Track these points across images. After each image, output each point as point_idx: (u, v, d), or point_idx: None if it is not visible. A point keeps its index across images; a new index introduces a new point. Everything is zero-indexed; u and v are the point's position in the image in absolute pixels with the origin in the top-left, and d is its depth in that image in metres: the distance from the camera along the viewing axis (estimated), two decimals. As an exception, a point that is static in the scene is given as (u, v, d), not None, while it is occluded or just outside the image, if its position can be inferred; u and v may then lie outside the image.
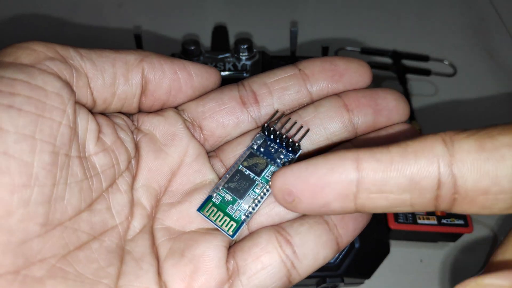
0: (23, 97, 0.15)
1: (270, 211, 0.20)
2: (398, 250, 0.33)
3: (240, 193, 0.20)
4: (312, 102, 0.22)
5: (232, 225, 0.20)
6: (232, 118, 0.21)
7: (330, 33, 0.48)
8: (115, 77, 0.19)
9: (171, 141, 0.21)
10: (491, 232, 0.34)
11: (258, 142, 0.21)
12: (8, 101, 0.15)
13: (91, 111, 0.19)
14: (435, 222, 0.31)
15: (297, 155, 0.21)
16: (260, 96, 0.21)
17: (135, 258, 0.18)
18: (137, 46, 0.38)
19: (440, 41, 0.48)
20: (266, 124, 0.21)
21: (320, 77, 0.21)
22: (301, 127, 0.21)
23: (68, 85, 0.17)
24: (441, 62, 0.45)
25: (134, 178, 0.20)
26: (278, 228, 0.20)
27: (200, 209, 0.20)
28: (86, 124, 0.18)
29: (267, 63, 0.37)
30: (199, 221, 0.20)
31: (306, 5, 0.53)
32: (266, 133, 0.21)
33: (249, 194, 0.20)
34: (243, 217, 0.20)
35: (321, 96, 0.22)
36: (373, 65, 0.44)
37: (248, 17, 0.50)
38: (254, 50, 0.37)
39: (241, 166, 0.21)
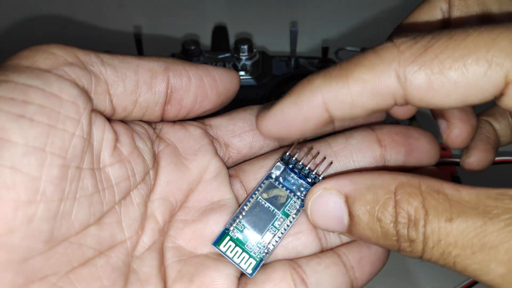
0: (36, 106, 0.15)
1: (287, 244, 0.20)
2: (398, 250, 0.33)
3: (259, 228, 0.19)
4: (342, 131, 0.21)
5: (251, 262, 0.19)
6: (260, 139, 0.21)
7: (330, 33, 0.48)
8: (137, 84, 0.18)
9: (193, 156, 0.20)
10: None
11: (277, 172, 0.20)
12: (19, 111, 0.14)
13: (110, 119, 0.18)
14: (435, 222, 0.31)
15: None
16: None
17: (140, 279, 0.18)
18: (137, 46, 0.38)
19: (440, 41, 0.48)
20: (287, 153, 0.20)
21: None
22: (324, 158, 0.20)
23: (85, 92, 0.16)
24: (441, 62, 0.45)
25: (151, 189, 0.19)
26: (293, 264, 0.19)
27: (217, 243, 0.19)
28: (102, 134, 0.17)
29: (267, 63, 0.37)
30: (211, 245, 0.19)
31: (306, 5, 0.53)
32: (286, 163, 0.20)
33: (269, 229, 0.19)
34: (262, 254, 0.19)
35: (348, 126, 0.21)
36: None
37: (248, 17, 0.50)
38: (254, 50, 0.37)
39: (260, 197, 0.20)
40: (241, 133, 0.21)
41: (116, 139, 0.18)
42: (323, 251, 0.20)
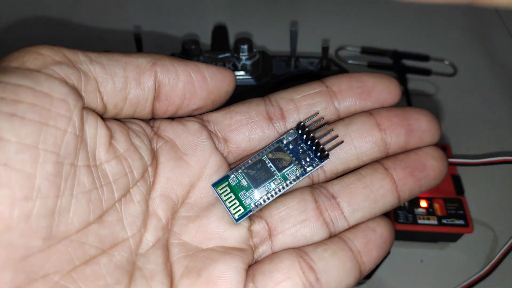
0: (26, 104, 0.15)
1: (296, 232, 0.20)
2: (398, 250, 0.33)
3: (256, 182, 0.20)
4: (341, 119, 0.21)
5: (239, 210, 0.20)
6: (258, 132, 0.21)
7: (330, 33, 0.48)
8: (126, 81, 0.18)
9: (193, 151, 0.20)
10: (491, 232, 0.34)
11: (289, 138, 0.21)
12: (11, 109, 0.14)
13: (102, 117, 0.18)
14: (435, 222, 0.31)
15: (322, 163, 0.21)
16: (286, 112, 0.21)
17: (145, 276, 0.18)
18: (137, 46, 0.38)
19: (440, 41, 0.48)
20: (302, 123, 0.21)
21: (348, 94, 0.21)
22: (337, 136, 0.21)
23: (75, 90, 0.16)
24: (441, 62, 0.45)
25: (150, 187, 0.19)
26: (301, 252, 0.19)
27: (215, 185, 0.20)
28: (95, 131, 0.17)
29: (267, 63, 0.37)
30: (217, 239, 0.19)
31: (306, 5, 0.53)
32: (300, 132, 0.21)
33: (264, 186, 0.20)
34: (252, 206, 0.20)
35: (348, 114, 0.21)
36: (373, 65, 0.44)
37: (248, 17, 0.50)
38: (254, 50, 0.37)
39: (265, 156, 0.21)
40: (238, 126, 0.21)
41: (111, 136, 0.18)
42: (331, 236, 0.20)
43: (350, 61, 0.45)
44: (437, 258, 0.33)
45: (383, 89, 0.21)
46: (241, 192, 0.20)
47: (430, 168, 0.20)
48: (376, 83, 0.21)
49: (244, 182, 0.20)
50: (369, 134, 0.20)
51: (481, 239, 0.33)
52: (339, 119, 0.21)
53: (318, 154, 0.21)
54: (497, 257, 0.29)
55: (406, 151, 0.21)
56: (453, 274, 0.31)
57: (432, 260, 0.33)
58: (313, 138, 0.20)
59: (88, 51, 0.18)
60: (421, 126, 0.20)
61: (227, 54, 0.37)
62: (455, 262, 0.33)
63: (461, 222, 0.31)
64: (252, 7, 0.52)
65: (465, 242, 0.33)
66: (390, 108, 0.21)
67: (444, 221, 0.31)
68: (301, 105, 0.21)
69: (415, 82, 0.44)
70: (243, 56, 0.36)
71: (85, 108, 0.17)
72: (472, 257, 0.32)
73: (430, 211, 0.32)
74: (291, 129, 0.21)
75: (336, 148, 0.21)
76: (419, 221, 0.31)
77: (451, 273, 0.31)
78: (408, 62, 0.44)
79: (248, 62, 0.36)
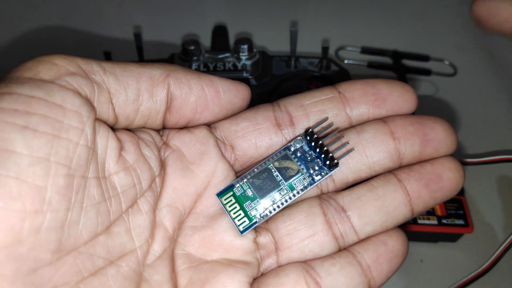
0: (39, 116, 0.15)
1: (303, 247, 0.19)
2: (398, 250, 0.33)
3: (262, 192, 0.20)
4: (352, 127, 0.21)
5: (244, 221, 0.19)
6: (265, 139, 0.20)
7: (330, 33, 0.48)
8: (138, 93, 0.18)
9: (199, 160, 0.20)
10: (491, 232, 0.34)
11: (297, 145, 0.20)
12: (23, 122, 0.14)
13: (113, 128, 0.18)
14: (435, 222, 0.31)
15: (331, 172, 0.20)
16: (295, 118, 0.21)
17: (152, 287, 0.18)
18: (137, 46, 0.38)
19: (440, 41, 0.48)
20: (310, 129, 0.20)
21: (361, 101, 0.20)
22: (347, 143, 0.20)
23: (88, 102, 0.16)
24: (441, 62, 0.45)
25: (158, 197, 0.19)
26: (307, 267, 0.19)
27: (220, 194, 0.19)
28: (106, 142, 0.17)
29: (267, 63, 0.37)
30: (221, 250, 0.19)
31: (306, 5, 0.53)
32: (308, 138, 0.20)
33: (270, 196, 0.20)
34: (258, 217, 0.19)
35: (361, 121, 0.21)
36: (373, 65, 0.44)
37: (248, 17, 0.50)
38: (254, 50, 0.37)
39: (271, 165, 0.20)
40: (244, 133, 0.20)
41: (121, 147, 0.18)
42: (340, 250, 0.19)
43: (350, 61, 0.45)
44: (437, 258, 0.33)
45: (398, 97, 0.20)
46: (246, 203, 0.19)
47: (446, 180, 0.19)
48: (391, 90, 0.20)
49: (250, 192, 0.20)
50: (382, 143, 0.20)
51: (481, 239, 0.33)
52: (351, 127, 0.21)
53: (327, 163, 0.20)
54: (495, 255, 0.29)
55: (420, 162, 0.20)
56: (453, 274, 0.31)
57: (432, 260, 0.33)
58: (322, 145, 0.20)
59: (102, 61, 0.18)
60: (437, 136, 0.20)
61: (227, 54, 0.37)
62: (455, 262, 0.33)
63: (461, 222, 0.31)
64: (252, 7, 0.52)
65: (465, 242, 0.33)
66: (405, 116, 0.20)
67: (444, 221, 0.31)
68: (311, 111, 0.21)
69: (415, 82, 0.44)
70: (243, 56, 0.36)
71: (97, 119, 0.17)
72: (472, 257, 0.32)
73: (430, 211, 0.32)
74: (298, 135, 0.20)
75: (347, 157, 0.20)
76: (419, 221, 0.32)
77: (451, 273, 0.31)
78: (408, 62, 0.44)
79: (248, 62, 0.36)
